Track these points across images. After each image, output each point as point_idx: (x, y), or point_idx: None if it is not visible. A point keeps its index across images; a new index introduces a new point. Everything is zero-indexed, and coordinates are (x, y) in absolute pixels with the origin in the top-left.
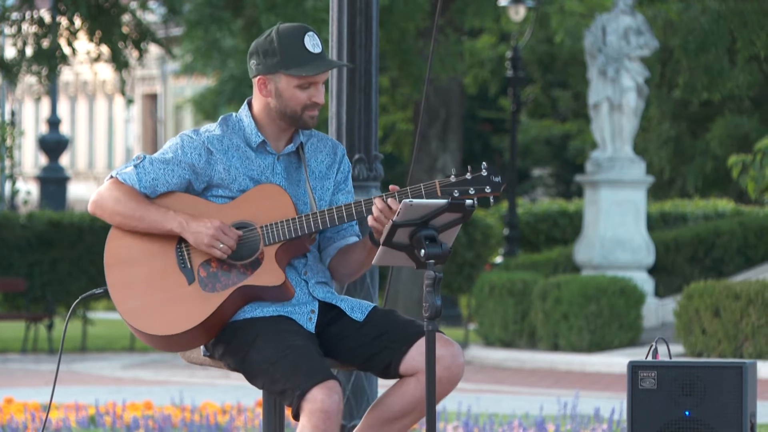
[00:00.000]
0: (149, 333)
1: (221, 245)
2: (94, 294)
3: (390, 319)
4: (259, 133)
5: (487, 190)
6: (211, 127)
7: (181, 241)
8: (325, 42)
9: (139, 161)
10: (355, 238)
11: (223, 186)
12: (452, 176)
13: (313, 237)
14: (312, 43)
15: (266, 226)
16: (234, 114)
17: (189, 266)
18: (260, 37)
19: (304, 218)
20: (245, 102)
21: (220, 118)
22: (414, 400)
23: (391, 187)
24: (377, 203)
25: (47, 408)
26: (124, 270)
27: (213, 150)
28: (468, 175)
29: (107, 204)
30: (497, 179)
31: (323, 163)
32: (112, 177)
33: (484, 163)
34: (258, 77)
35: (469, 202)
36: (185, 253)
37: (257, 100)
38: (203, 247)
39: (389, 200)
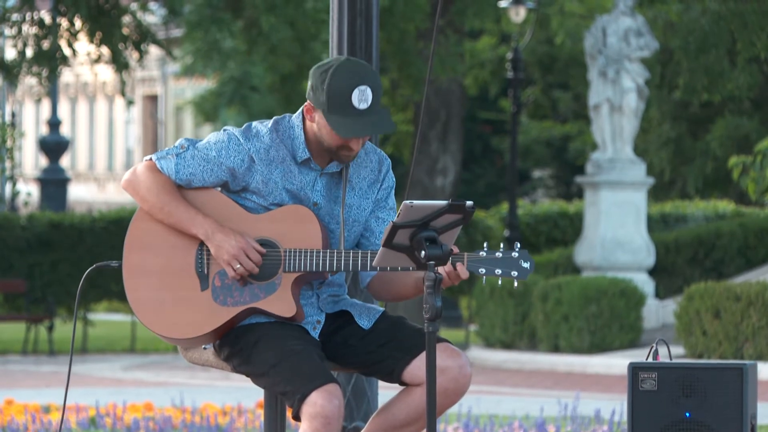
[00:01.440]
0: (153, 330)
1: (238, 266)
2: (109, 265)
3: (397, 327)
4: (306, 150)
5: (514, 274)
6: (263, 131)
7: (204, 243)
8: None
9: (182, 150)
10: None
11: (258, 194)
12: (483, 252)
13: (333, 273)
14: (360, 98)
15: (290, 251)
16: (288, 118)
17: (205, 272)
18: (321, 64)
19: (328, 255)
20: (301, 109)
21: (272, 121)
22: (420, 409)
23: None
24: (444, 268)
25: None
26: (143, 256)
27: (257, 160)
28: (498, 254)
29: (140, 188)
30: (527, 265)
31: (365, 180)
32: (151, 159)
33: (517, 243)
34: (307, 102)
35: (469, 203)
36: (204, 257)
37: (307, 116)
38: (222, 262)
39: (457, 265)
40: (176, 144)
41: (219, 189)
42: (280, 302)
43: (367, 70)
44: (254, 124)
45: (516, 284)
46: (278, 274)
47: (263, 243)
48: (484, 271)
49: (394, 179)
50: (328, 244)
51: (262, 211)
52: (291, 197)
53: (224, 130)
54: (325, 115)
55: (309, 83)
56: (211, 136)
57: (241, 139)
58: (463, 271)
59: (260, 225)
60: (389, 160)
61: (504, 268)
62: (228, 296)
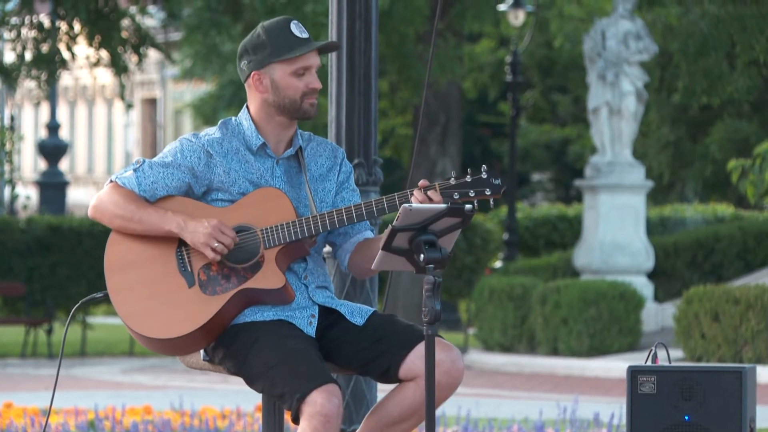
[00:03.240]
0: (149, 336)
1: (217, 244)
2: (94, 298)
3: (390, 323)
4: (260, 136)
5: (487, 192)
6: (211, 131)
7: (181, 244)
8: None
9: (138, 165)
10: (370, 233)
11: (223, 189)
12: (452, 179)
13: (314, 240)
14: (299, 29)
15: (266, 229)
16: (233, 118)
17: (189, 269)
18: (246, 38)
19: (304, 221)
20: (244, 106)
21: (219, 122)
22: (413, 405)
23: (421, 182)
24: (417, 195)
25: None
26: (124, 274)
27: (213, 153)
28: (468, 178)
29: (107, 208)
30: (497, 182)
31: (323, 166)
32: (111, 181)
33: (484, 166)
34: (252, 74)
35: (468, 207)
36: (185, 256)
37: (254, 100)
38: (200, 246)
39: (430, 192)
40: (132, 162)
41: (184, 196)
42: (267, 277)
43: (286, 16)
44: (202, 130)
45: (492, 203)
46: (260, 252)
47: (239, 229)
48: (458, 195)
49: (351, 167)
50: (300, 216)
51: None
52: (253, 187)
53: (176, 140)
54: (277, 59)
55: (242, 62)
56: (164, 149)
57: (192, 139)
58: (436, 196)
59: (232, 215)
60: (342, 150)
61: (476, 189)
62: (216, 286)
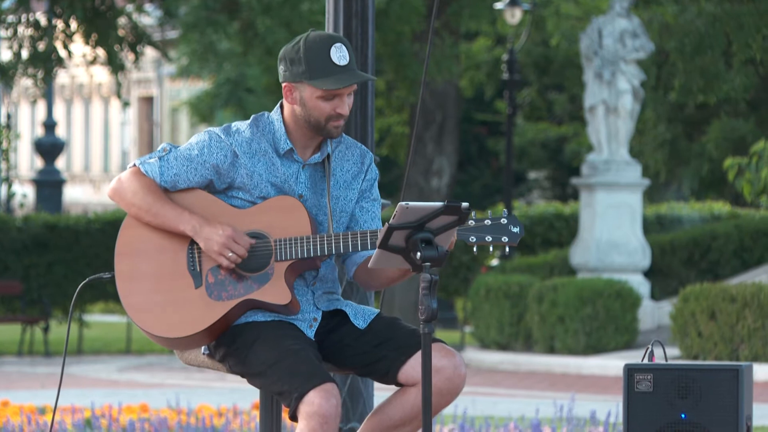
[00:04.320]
0: (150, 332)
1: (230, 254)
2: (101, 278)
3: (392, 327)
4: (288, 140)
5: (504, 239)
6: (242, 127)
7: (194, 242)
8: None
9: (164, 153)
10: None
11: (244, 189)
12: (472, 220)
13: (326, 257)
14: (338, 55)
15: (280, 240)
16: (266, 114)
17: (198, 269)
18: (289, 44)
19: (318, 240)
20: (278, 104)
21: (252, 117)
22: (415, 409)
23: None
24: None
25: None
26: (133, 261)
27: (239, 153)
28: (487, 221)
29: (126, 194)
30: (516, 229)
31: (349, 173)
32: (135, 165)
33: (505, 210)
34: (285, 84)
35: (465, 204)
36: (196, 255)
37: (286, 105)
38: (213, 254)
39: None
40: (158, 148)
41: (204, 190)
42: (274, 291)
43: (336, 34)
44: (234, 123)
45: (507, 250)
46: (270, 264)
47: (253, 235)
48: (474, 239)
49: (377, 172)
50: (317, 231)
51: (249, 207)
52: (276, 190)
53: (205, 131)
54: (308, 81)
55: (281, 67)
56: (192, 138)
57: (222, 136)
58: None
59: (248, 219)
60: (371, 153)
61: (494, 235)
62: (222, 291)
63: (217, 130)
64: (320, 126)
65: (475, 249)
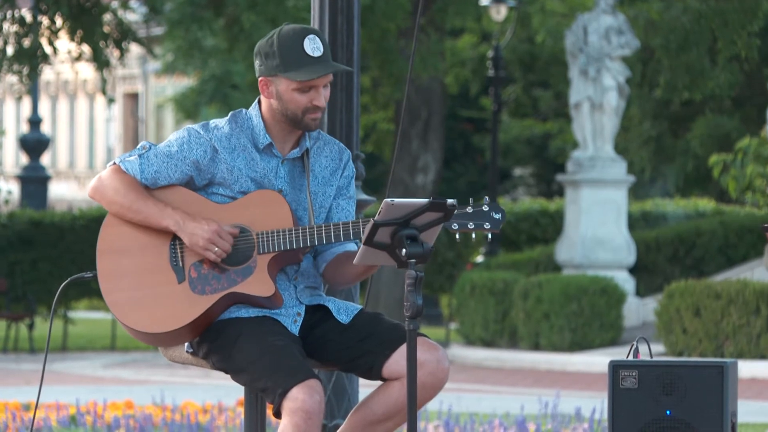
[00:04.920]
0: (134, 328)
1: (216, 249)
2: (83, 277)
3: (375, 322)
4: (267, 135)
5: (486, 226)
6: (221, 123)
7: (175, 237)
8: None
9: (144, 151)
10: (353, 246)
11: (224, 185)
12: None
13: (308, 249)
14: (312, 46)
15: (262, 234)
16: (245, 111)
17: (180, 264)
18: (264, 38)
19: (300, 231)
20: (256, 100)
21: (230, 114)
22: (398, 404)
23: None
24: None
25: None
26: (115, 259)
27: (219, 149)
28: (469, 209)
29: (107, 192)
30: (498, 216)
31: (327, 169)
32: (115, 163)
33: (486, 197)
34: (260, 78)
35: (450, 201)
36: (178, 250)
37: (263, 100)
38: (198, 249)
39: None
40: (138, 146)
41: (184, 187)
42: (257, 283)
43: (309, 26)
44: (212, 120)
45: (489, 237)
46: (253, 257)
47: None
48: (456, 226)
49: (354, 169)
50: (298, 224)
51: (229, 202)
52: (256, 185)
53: (184, 128)
54: (283, 74)
55: (256, 62)
56: (171, 136)
57: (201, 132)
58: None
59: (230, 214)
60: (349, 151)
61: (476, 221)
62: (206, 285)
63: (195, 126)
64: (297, 119)
65: (457, 236)
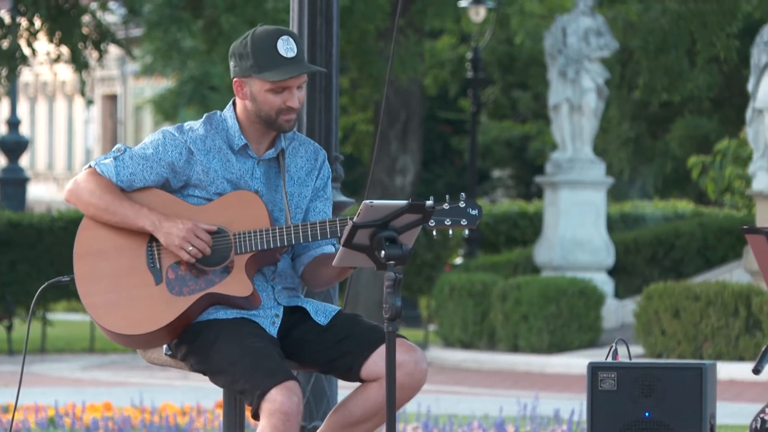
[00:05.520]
0: (111, 330)
1: (191, 248)
2: (60, 281)
3: (354, 323)
4: (242, 136)
5: (463, 222)
6: (195, 125)
7: (152, 239)
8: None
9: (119, 153)
10: (331, 248)
11: (200, 187)
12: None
13: (285, 249)
14: (285, 47)
15: (239, 234)
16: (219, 112)
17: (158, 266)
18: (238, 40)
19: (278, 231)
20: (231, 101)
21: (204, 116)
22: (376, 405)
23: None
24: None
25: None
26: (92, 262)
27: (194, 150)
28: (445, 205)
29: (82, 194)
30: (474, 212)
31: (302, 169)
32: (90, 166)
33: (462, 194)
34: (235, 80)
35: (429, 203)
36: (155, 252)
37: (238, 101)
38: (173, 248)
39: None
40: (113, 149)
41: (160, 189)
42: (235, 284)
43: (284, 28)
44: (187, 122)
45: (466, 233)
46: (230, 257)
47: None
48: (433, 222)
49: (330, 170)
50: (274, 224)
51: (205, 204)
52: (232, 186)
53: (159, 131)
54: (257, 75)
55: (231, 63)
56: (147, 138)
57: (176, 134)
58: None
59: (206, 215)
60: (324, 152)
61: (453, 218)
62: (183, 286)
63: (170, 128)
64: (271, 120)
65: (435, 233)
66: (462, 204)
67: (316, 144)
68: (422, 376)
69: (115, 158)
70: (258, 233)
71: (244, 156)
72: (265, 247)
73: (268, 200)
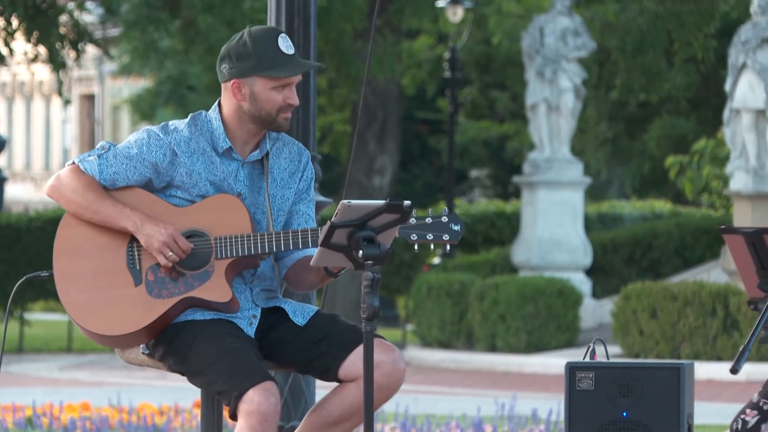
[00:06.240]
0: (90, 330)
1: (170, 253)
2: (39, 276)
3: (332, 324)
4: (227, 139)
5: (445, 237)
6: (180, 126)
7: (133, 239)
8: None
9: (103, 151)
10: (314, 251)
11: (183, 188)
12: (413, 218)
13: (266, 255)
14: (285, 44)
15: (220, 238)
16: (204, 113)
17: (138, 267)
18: (231, 41)
19: (259, 238)
20: (216, 102)
21: (189, 117)
22: (354, 405)
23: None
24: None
25: None
26: (72, 260)
27: (178, 152)
28: (428, 220)
29: (65, 191)
30: (457, 227)
31: (286, 171)
32: (73, 163)
33: (445, 209)
34: (232, 81)
35: (407, 203)
36: (136, 253)
37: (228, 103)
38: (152, 251)
39: None
40: (97, 146)
41: (143, 188)
42: (214, 289)
43: (275, 27)
44: (171, 121)
45: (449, 248)
46: (210, 261)
47: (193, 234)
48: (415, 236)
49: (314, 171)
50: (256, 230)
51: (188, 205)
52: (215, 189)
53: (144, 130)
54: (260, 74)
55: (224, 65)
56: (131, 137)
57: (161, 135)
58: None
59: (188, 217)
60: (308, 152)
61: (435, 233)
62: (162, 289)
63: (155, 128)
64: (271, 119)
65: (416, 247)
66: (445, 219)
67: (300, 144)
68: (400, 376)
69: (99, 156)
70: (239, 239)
71: (228, 158)
72: (246, 253)
73: (250, 202)
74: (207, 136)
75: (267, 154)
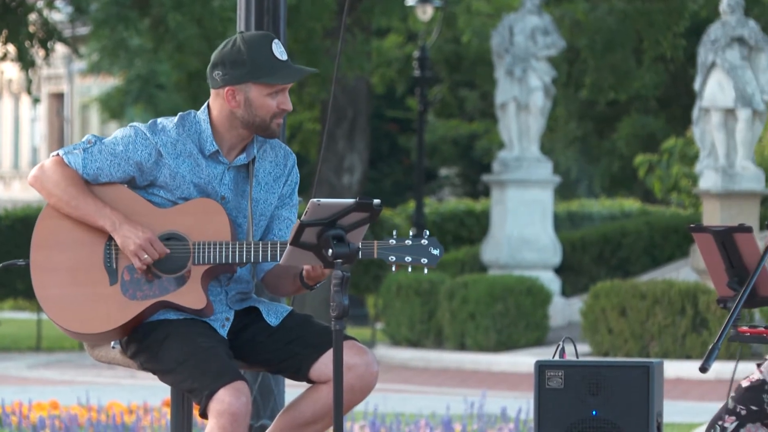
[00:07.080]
0: (62, 326)
1: (145, 256)
2: (15, 264)
3: (305, 325)
4: (214, 142)
5: (424, 261)
6: (169, 126)
7: (111, 237)
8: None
9: (89, 145)
10: None
11: (166, 188)
12: (392, 239)
13: (243, 264)
14: (279, 50)
15: (199, 244)
16: (194, 113)
17: (114, 266)
18: (224, 47)
19: (237, 247)
20: (205, 105)
21: (178, 116)
22: (326, 407)
23: None
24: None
25: None
26: (50, 253)
27: (164, 153)
28: (408, 242)
29: (47, 183)
30: (436, 251)
31: (270, 174)
32: (58, 154)
33: (426, 231)
34: (226, 88)
35: (376, 201)
36: (113, 251)
37: (219, 108)
38: (128, 252)
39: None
40: (83, 140)
41: (126, 185)
42: (189, 295)
43: (266, 32)
44: (160, 119)
45: (426, 271)
46: (187, 266)
47: (172, 236)
48: (394, 258)
49: (299, 176)
50: (236, 237)
51: (169, 206)
52: (198, 191)
53: (131, 126)
54: (256, 80)
55: (216, 72)
56: (117, 132)
57: (147, 134)
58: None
59: (168, 218)
60: (294, 155)
61: (414, 255)
62: (137, 290)
63: (142, 127)
64: (265, 125)
65: (393, 268)
66: (425, 242)
67: (288, 148)
68: (373, 379)
69: (84, 150)
70: (218, 246)
71: (214, 161)
72: (224, 261)
73: (233, 206)
74: (194, 138)
75: (254, 159)
